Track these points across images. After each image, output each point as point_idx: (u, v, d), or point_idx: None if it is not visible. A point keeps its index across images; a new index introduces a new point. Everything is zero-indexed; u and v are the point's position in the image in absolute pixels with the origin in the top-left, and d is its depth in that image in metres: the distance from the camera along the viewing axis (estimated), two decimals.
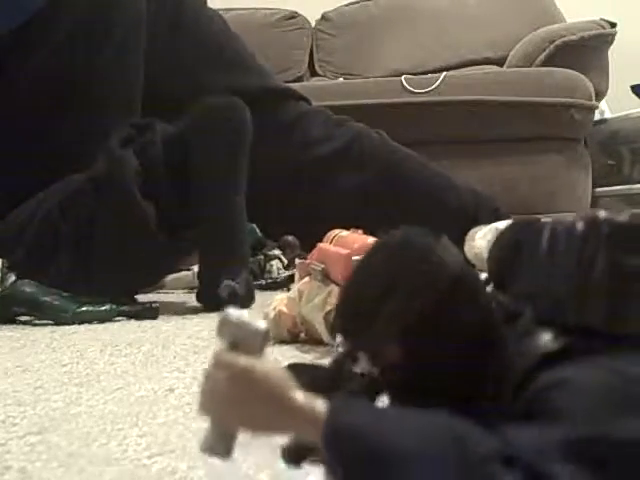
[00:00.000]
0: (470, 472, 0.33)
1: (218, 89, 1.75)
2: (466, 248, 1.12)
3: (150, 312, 1.41)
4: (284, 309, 1.10)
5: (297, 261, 1.45)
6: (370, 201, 1.95)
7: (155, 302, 1.44)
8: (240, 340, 0.40)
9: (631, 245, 0.42)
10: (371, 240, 1.45)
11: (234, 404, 0.38)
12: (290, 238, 1.89)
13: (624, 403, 0.37)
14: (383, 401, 0.43)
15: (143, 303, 1.47)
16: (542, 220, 0.46)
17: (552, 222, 0.46)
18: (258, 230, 2.10)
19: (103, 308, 1.39)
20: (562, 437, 0.35)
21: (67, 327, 1.33)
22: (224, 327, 0.40)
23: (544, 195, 2.41)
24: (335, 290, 1.00)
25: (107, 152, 1.50)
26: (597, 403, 0.37)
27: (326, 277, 1.04)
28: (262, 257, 1.89)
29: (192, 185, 1.48)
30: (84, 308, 1.38)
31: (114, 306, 1.40)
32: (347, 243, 1.07)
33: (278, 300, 1.14)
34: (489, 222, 1.22)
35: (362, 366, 0.42)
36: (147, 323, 1.34)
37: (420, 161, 2.08)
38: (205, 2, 1.94)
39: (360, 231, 1.38)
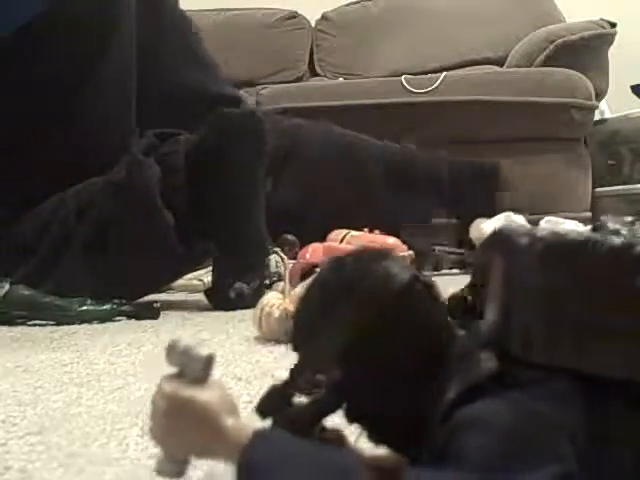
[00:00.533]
0: None
1: (200, 91, 1.76)
2: (475, 235, 1.12)
3: (151, 312, 1.40)
4: (288, 307, 1.07)
5: (288, 262, 1.46)
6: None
7: (156, 302, 1.44)
8: (185, 368, 0.41)
9: (562, 264, 0.39)
10: (391, 240, 1.46)
11: (174, 432, 0.40)
12: (289, 236, 1.89)
13: (526, 448, 0.35)
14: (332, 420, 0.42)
15: (144, 303, 1.47)
16: (526, 228, 0.43)
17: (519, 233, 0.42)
18: None
19: (104, 307, 1.39)
20: None
21: (67, 327, 1.33)
22: (171, 354, 0.41)
23: (544, 195, 2.41)
24: None
25: (129, 157, 1.49)
26: (504, 449, 0.35)
27: None
28: None
29: (212, 195, 1.47)
30: (85, 307, 1.38)
31: (115, 305, 1.40)
32: (366, 241, 1.07)
33: (272, 298, 1.12)
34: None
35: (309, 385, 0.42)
36: (147, 323, 1.34)
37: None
38: (177, 1, 1.96)
39: (377, 231, 1.36)
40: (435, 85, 2.41)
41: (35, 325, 1.36)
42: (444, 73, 2.49)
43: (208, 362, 0.41)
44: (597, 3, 3.09)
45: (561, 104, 2.36)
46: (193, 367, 0.41)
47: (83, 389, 0.83)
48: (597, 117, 2.61)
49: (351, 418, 0.41)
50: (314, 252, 1.39)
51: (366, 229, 1.44)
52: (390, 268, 0.41)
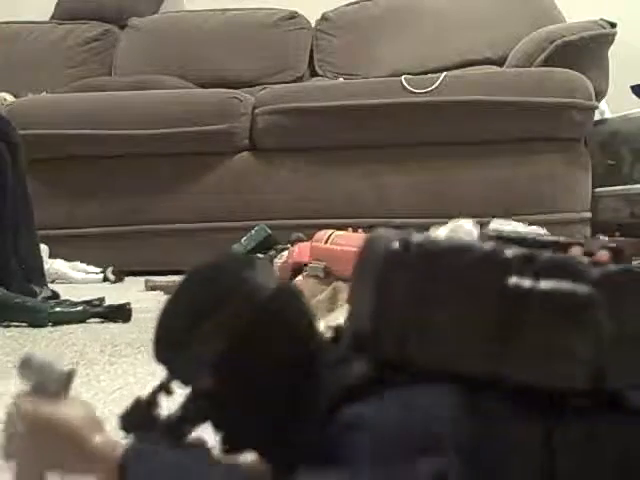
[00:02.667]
0: None
1: None
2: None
3: (123, 314, 1.39)
4: None
5: (275, 261, 1.48)
6: None
7: (128, 303, 1.43)
8: (42, 383, 0.39)
9: (433, 271, 0.40)
10: None
11: (35, 451, 0.39)
12: (301, 235, 1.90)
13: (412, 444, 0.36)
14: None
15: (117, 305, 1.45)
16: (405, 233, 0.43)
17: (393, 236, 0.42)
18: (267, 229, 2.12)
19: (77, 309, 1.38)
20: None
21: (67, 327, 1.33)
22: (25, 370, 0.40)
23: (544, 195, 2.41)
24: (341, 285, 1.08)
25: None
26: (390, 446, 0.36)
27: (328, 274, 1.10)
28: (274, 252, 1.91)
29: None
30: (58, 309, 1.37)
31: (87, 307, 1.39)
32: (352, 240, 1.12)
33: None
34: None
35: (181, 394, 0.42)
36: (147, 323, 1.34)
37: None
38: None
39: (360, 230, 1.40)
40: (435, 85, 2.40)
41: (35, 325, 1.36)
42: (444, 73, 2.48)
43: (68, 377, 0.40)
44: (597, 3, 3.09)
45: (561, 104, 2.36)
46: (52, 383, 0.39)
47: (83, 389, 0.83)
48: (597, 117, 2.60)
49: (220, 427, 0.41)
50: (301, 251, 1.42)
51: (350, 228, 1.46)
52: (256, 279, 0.41)
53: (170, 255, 2.40)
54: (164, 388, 0.42)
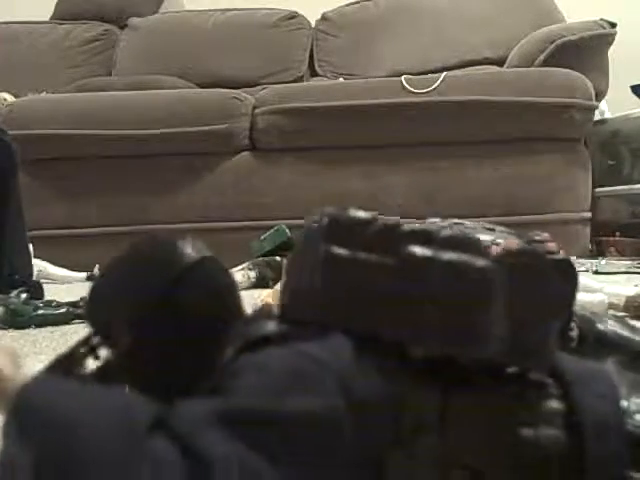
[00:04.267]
0: (134, 441, 0.36)
1: None
2: None
3: None
4: (270, 300, 1.13)
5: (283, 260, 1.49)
6: None
7: None
8: None
9: (341, 238, 0.44)
10: None
11: None
12: None
13: (299, 383, 0.39)
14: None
15: None
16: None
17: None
18: (288, 231, 2.13)
19: (60, 311, 1.38)
20: (221, 407, 0.38)
21: (67, 327, 1.32)
22: None
23: (544, 195, 2.41)
24: None
25: None
26: (274, 382, 0.39)
27: None
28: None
29: None
30: (41, 311, 1.37)
31: (71, 308, 1.39)
32: None
33: (267, 294, 1.18)
34: None
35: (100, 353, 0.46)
36: None
37: None
38: None
39: None
40: (435, 85, 2.40)
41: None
42: (444, 73, 2.48)
43: None
44: (597, 3, 3.09)
45: (561, 104, 2.36)
46: None
47: None
48: (597, 117, 2.60)
49: (135, 385, 0.44)
50: None
51: None
52: (182, 247, 0.45)
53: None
54: (87, 344, 0.45)
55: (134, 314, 0.44)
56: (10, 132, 2.55)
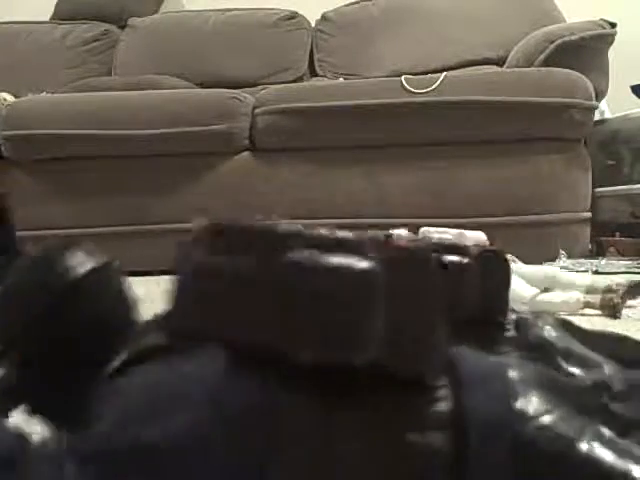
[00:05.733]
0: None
1: None
2: None
3: None
4: None
5: None
6: None
7: None
8: None
9: (219, 245, 0.42)
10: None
11: None
12: None
13: (165, 403, 0.38)
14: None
15: None
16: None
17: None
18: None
19: None
20: (75, 445, 0.37)
21: None
22: None
23: (544, 195, 2.41)
24: None
25: None
26: (137, 408, 0.38)
27: None
28: None
29: None
30: None
31: None
32: None
33: None
34: None
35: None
36: None
37: None
38: None
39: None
40: (435, 85, 2.40)
41: None
42: (444, 73, 2.48)
43: None
44: (597, 3, 3.09)
45: (561, 104, 2.36)
46: None
47: None
48: (597, 117, 2.60)
49: (30, 399, 0.42)
50: None
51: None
52: (69, 259, 0.43)
53: (170, 255, 2.40)
54: None
55: (21, 332, 0.42)
56: (10, 132, 2.56)
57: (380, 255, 0.38)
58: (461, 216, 2.31)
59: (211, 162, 2.53)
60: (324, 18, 3.30)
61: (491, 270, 0.47)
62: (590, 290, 1.30)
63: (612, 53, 2.59)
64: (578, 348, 0.49)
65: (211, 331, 0.40)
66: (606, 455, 0.34)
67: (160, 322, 0.43)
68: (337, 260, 0.38)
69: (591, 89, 2.40)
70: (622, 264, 2.19)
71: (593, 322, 1.22)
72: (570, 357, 0.48)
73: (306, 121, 2.46)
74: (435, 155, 2.44)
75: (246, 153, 2.54)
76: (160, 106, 2.57)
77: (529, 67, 2.52)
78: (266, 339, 0.38)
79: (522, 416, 0.36)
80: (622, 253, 2.51)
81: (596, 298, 1.29)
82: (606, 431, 0.36)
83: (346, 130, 2.45)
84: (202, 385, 0.38)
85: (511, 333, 0.49)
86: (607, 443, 0.35)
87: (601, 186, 2.62)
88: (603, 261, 2.23)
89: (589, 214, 2.47)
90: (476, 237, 1.62)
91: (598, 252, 2.56)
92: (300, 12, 3.30)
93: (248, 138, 2.54)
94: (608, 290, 1.29)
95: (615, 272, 2.06)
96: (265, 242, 0.40)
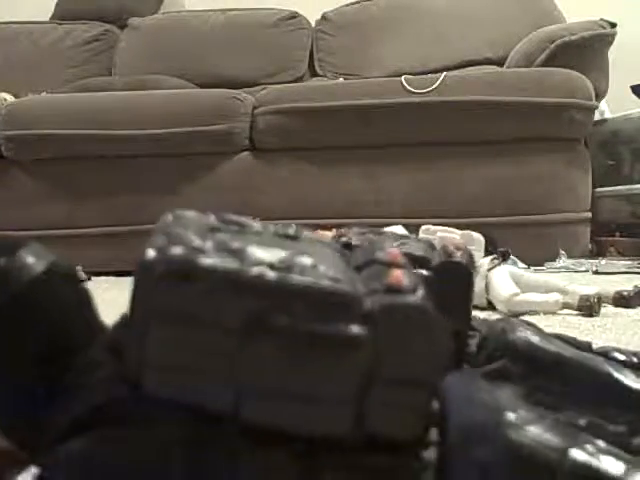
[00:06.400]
0: None
1: None
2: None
3: None
4: None
5: None
6: None
7: None
8: None
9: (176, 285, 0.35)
10: None
11: None
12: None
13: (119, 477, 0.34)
14: None
15: None
16: None
17: None
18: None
19: None
20: None
21: None
22: None
23: (544, 195, 2.41)
24: None
25: None
26: None
27: None
28: None
29: None
30: None
31: None
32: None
33: None
34: None
35: None
36: None
37: None
38: None
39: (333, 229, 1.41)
40: (435, 85, 2.41)
41: None
42: (444, 73, 2.48)
43: None
44: (597, 3, 3.09)
45: (561, 104, 2.36)
46: None
47: None
48: (597, 117, 2.61)
49: None
50: None
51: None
52: (23, 259, 0.39)
53: None
54: None
55: None
56: (10, 132, 2.56)
57: (367, 309, 0.33)
58: (461, 216, 2.31)
59: (211, 162, 2.53)
60: (324, 18, 3.30)
61: (453, 282, 0.46)
62: (582, 300, 1.31)
63: (612, 53, 2.59)
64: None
65: (167, 390, 0.34)
66: (596, 462, 0.34)
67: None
68: (321, 327, 0.33)
69: (591, 89, 2.40)
70: (622, 264, 2.19)
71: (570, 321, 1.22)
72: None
73: (306, 121, 2.46)
74: (435, 155, 2.45)
75: (246, 153, 2.54)
76: (160, 106, 2.57)
77: (529, 67, 2.52)
78: (228, 407, 0.34)
79: (514, 425, 0.35)
80: (622, 253, 2.52)
81: (574, 299, 1.30)
82: (596, 440, 0.35)
83: (346, 130, 2.45)
84: (159, 461, 0.34)
85: (473, 347, 0.48)
86: (598, 451, 0.34)
87: (601, 186, 2.62)
88: (603, 261, 2.23)
89: (589, 214, 2.47)
90: (478, 237, 1.62)
91: (598, 252, 2.56)
92: (300, 12, 3.30)
93: (248, 138, 2.54)
94: (616, 293, 1.30)
95: (615, 272, 2.06)
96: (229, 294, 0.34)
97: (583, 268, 2.15)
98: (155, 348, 0.34)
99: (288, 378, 0.33)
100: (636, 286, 1.33)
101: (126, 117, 2.53)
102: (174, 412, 0.34)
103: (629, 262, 2.22)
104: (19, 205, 2.58)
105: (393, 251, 0.39)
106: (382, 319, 0.33)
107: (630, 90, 2.77)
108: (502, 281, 1.35)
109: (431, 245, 0.50)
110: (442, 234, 1.41)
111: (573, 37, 2.48)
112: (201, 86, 2.91)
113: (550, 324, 1.19)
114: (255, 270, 0.34)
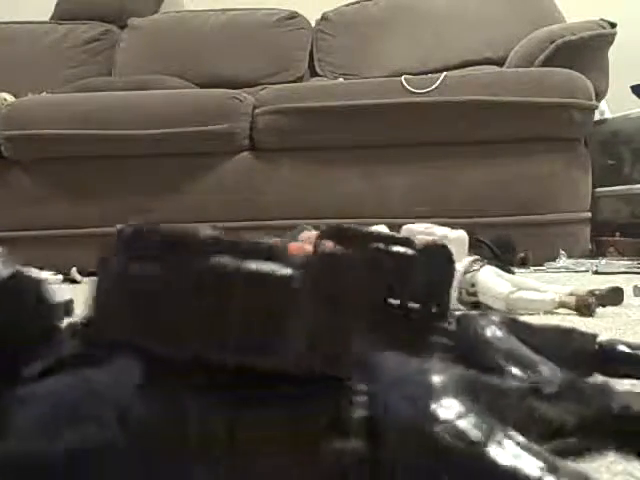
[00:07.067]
0: None
1: None
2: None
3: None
4: None
5: None
6: None
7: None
8: None
9: (139, 252, 0.42)
10: None
11: None
12: (307, 226, 1.91)
13: (72, 419, 0.36)
14: None
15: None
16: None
17: None
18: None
19: None
20: None
21: None
22: None
23: (544, 195, 2.41)
24: None
25: None
26: (40, 421, 0.36)
27: None
28: None
29: None
30: None
31: None
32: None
33: None
34: None
35: None
36: None
37: None
38: None
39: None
40: (435, 85, 2.41)
41: None
42: (444, 73, 2.49)
43: None
44: (597, 3, 3.10)
45: (561, 104, 2.36)
46: None
47: None
48: (597, 117, 2.61)
49: None
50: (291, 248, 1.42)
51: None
52: None
53: None
54: None
55: None
56: (10, 132, 2.56)
57: (300, 261, 0.37)
58: (461, 216, 2.31)
59: (211, 162, 2.54)
60: (324, 18, 3.31)
61: (435, 263, 0.48)
62: (570, 294, 1.31)
63: (612, 53, 2.59)
64: (518, 348, 0.50)
65: (128, 339, 0.38)
66: (512, 460, 0.34)
67: (78, 330, 0.42)
68: (260, 266, 0.37)
69: (591, 89, 2.41)
70: (622, 264, 2.19)
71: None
72: (509, 358, 0.48)
73: (306, 121, 2.46)
74: (435, 155, 2.45)
75: (246, 153, 2.55)
76: (160, 106, 2.57)
77: (529, 67, 2.52)
78: (183, 346, 0.37)
79: (435, 419, 0.35)
80: (622, 253, 2.52)
81: (571, 298, 1.30)
82: (518, 435, 0.36)
83: (346, 130, 2.45)
84: (111, 398, 0.37)
85: (451, 327, 0.49)
86: (516, 448, 0.35)
87: (601, 186, 2.63)
88: (603, 261, 2.23)
89: (589, 214, 2.47)
90: (458, 236, 1.62)
91: (598, 252, 2.56)
92: (300, 12, 3.30)
93: (248, 138, 2.54)
94: (588, 292, 1.31)
95: (615, 272, 2.06)
96: (184, 247, 0.40)
97: (583, 268, 2.15)
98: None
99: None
100: (592, 293, 1.32)
101: (126, 117, 2.53)
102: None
103: (629, 262, 2.22)
104: (19, 205, 2.58)
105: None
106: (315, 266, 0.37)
107: (630, 90, 2.77)
108: (495, 280, 1.35)
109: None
110: (420, 236, 1.41)
111: (573, 37, 2.48)
112: (201, 86, 2.91)
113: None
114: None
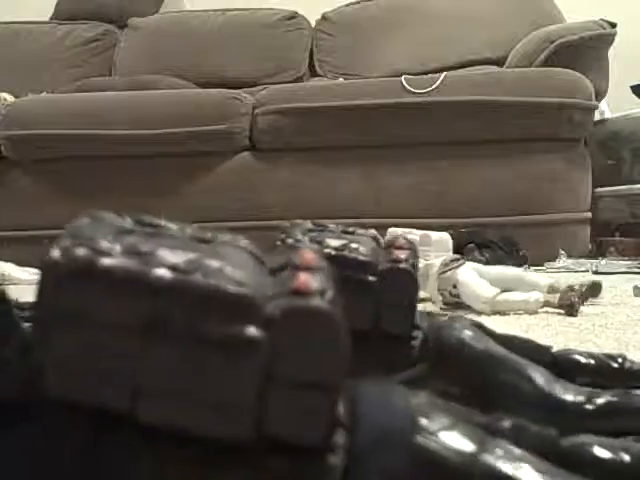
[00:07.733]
0: None
1: None
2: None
3: None
4: None
5: None
6: None
7: None
8: None
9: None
10: None
11: None
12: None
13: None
14: None
15: None
16: None
17: None
18: None
19: None
20: None
21: None
22: None
23: (544, 195, 2.41)
24: None
25: None
26: None
27: None
28: None
29: None
30: None
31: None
32: None
33: None
34: None
35: None
36: None
37: None
38: None
39: None
40: (435, 85, 2.41)
41: None
42: (444, 73, 2.49)
43: None
44: (597, 3, 3.10)
45: (561, 104, 2.36)
46: None
47: None
48: (597, 117, 2.61)
49: None
50: None
51: None
52: None
53: None
54: None
55: None
56: (10, 132, 2.57)
57: (269, 313, 0.32)
58: (461, 216, 2.31)
59: (211, 162, 2.54)
60: (324, 18, 3.31)
61: (397, 287, 0.47)
62: (551, 290, 1.31)
63: (612, 53, 2.59)
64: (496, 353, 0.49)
65: (66, 389, 0.33)
66: (507, 468, 0.34)
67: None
68: (221, 330, 0.32)
69: (591, 89, 2.41)
70: (622, 264, 2.19)
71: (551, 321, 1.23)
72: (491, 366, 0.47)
73: (306, 121, 2.46)
74: (435, 155, 2.45)
75: (246, 153, 2.55)
76: (160, 106, 2.57)
77: (529, 67, 2.52)
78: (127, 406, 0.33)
79: (422, 431, 0.34)
80: (622, 253, 2.52)
81: (555, 297, 1.30)
82: (506, 444, 0.35)
83: (346, 130, 2.45)
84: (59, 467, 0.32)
85: (415, 350, 0.48)
86: (507, 456, 0.34)
87: (601, 186, 2.63)
88: (603, 261, 2.23)
89: (589, 214, 2.47)
90: (440, 238, 1.62)
91: (598, 252, 2.56)
92: (300, 12, 3.30)
93: (248, 138, 2.54)
94: (568, 289, 1.30)
95: (615, 272, 2.06)
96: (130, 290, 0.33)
97: (583, 268, 2.15)
98: (56, 349, 0.32)
99: (185, 380, 0.32)
100: (572, 289, 1.32)
101: (126, 117, 2.53)
102: (77, 413, 0.33)
103: (629, 262, 2.22)
104: (19, 205, 2.58)
105: (307, 255, 0.38)
106: (281, 322, 0.32)
107: (630, 90, 2.77)
108: (476, 282, 1.34)
109: (376, 239, 0.51)
110: (411, 236, 1.42)
111: (573, 37, 2.48)
112: (201, 86, 2.91)
113: (550, 324, 1.19)
114: (155, 272, 0.33)
